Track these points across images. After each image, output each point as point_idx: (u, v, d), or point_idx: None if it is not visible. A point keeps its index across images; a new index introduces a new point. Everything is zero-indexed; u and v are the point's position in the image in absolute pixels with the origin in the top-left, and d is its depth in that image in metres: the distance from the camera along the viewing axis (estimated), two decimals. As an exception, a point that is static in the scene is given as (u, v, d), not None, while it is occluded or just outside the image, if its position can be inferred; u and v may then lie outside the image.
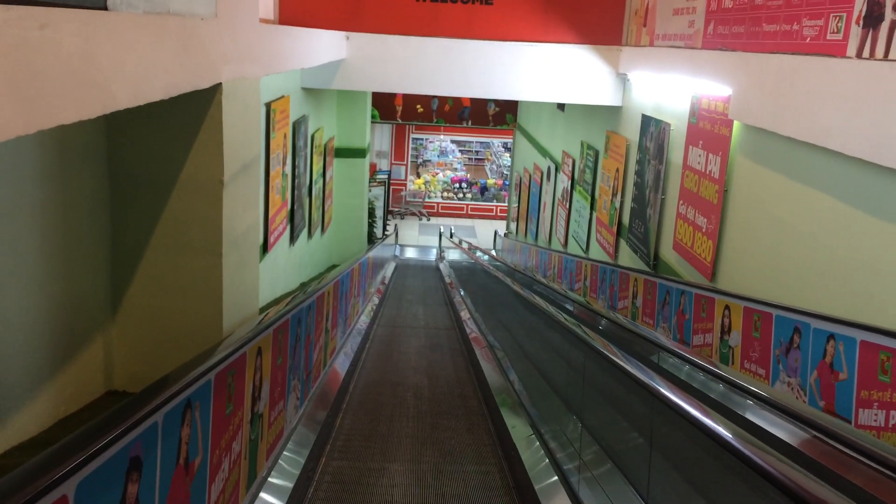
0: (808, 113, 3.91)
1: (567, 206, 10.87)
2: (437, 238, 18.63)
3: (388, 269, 13.47)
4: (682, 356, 3.57)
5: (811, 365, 3.36)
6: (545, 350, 4.76)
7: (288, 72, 7.17)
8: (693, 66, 5.83)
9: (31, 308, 3.12)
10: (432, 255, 17.95)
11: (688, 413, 2.25)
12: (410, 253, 18.53)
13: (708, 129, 5.56)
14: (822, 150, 3.82)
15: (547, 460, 3.94)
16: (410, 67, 8.36)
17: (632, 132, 7.71)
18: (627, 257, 7.56)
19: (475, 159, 26.80)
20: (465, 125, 21.93)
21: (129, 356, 3.70)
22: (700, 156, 5.68)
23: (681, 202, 6.04)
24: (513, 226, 18.34)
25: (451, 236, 17.77)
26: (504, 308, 6.66)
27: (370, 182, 16.58)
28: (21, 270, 3.05)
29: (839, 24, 3.88)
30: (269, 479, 3.19)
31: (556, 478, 3.73)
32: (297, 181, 8.30)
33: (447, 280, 12.47)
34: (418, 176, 25.67)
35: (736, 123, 5.06)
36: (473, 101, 19.33)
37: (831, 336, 3.21)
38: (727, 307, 4.28)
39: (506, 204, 22.75)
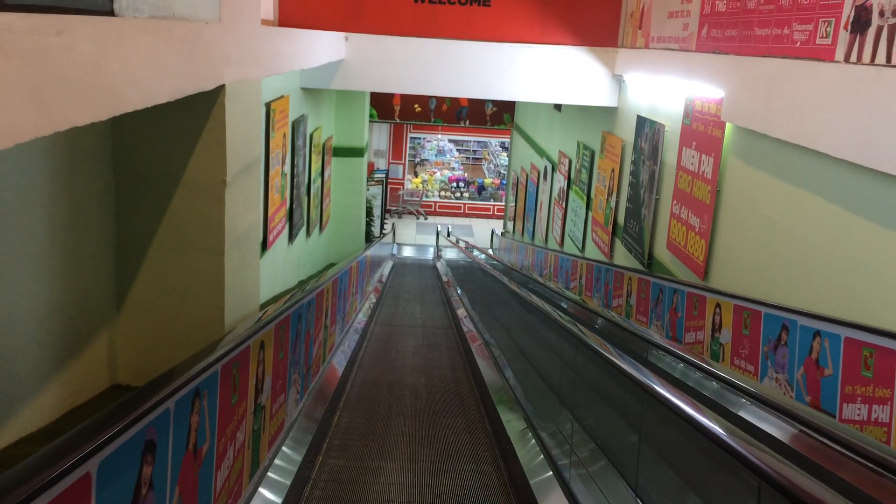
0: (798, 115, 4.00)
1: (563, 205, 10.97)
2: (434, 237, 18.70)
3: (386, 268, 13.55)
4: (674, 353, 3.67)
5: (798, 361, 3.45)
6: (541, 348, 4.84)
7: (287, 72, 7.24)
8: (687, 69, 5.93)
9: (39, 304, 3.21)
10: (430, 254, 18.02)
11: (676, 406, 2.33)
12: (408, 252, 18.60)
13: (701, 130, 5.65)
14: (812, 152, 3.91)
15: (542, 456, 4.01)
16: (409, 68, 8.45)
17: (627, 133, 7.81)
18: (623, 256, 7.66)
19: (473, 159, 26.89)
20: (462, 125, 21.99)
21: (133, 351, 3.78)
22: (693, 157, 5.77)
23: (674, 202, 6.13)
24: (510, 225, 18.42)
25: (449, 235, 17.85)
26: (501, 306, 6.74)
27: (368, 181, 16.66)
28: (30, 267, 3.14)
29: (828, 29, 3.97)
30: (268, 474, 3.26)
31: (550, 473, 3.81)
32: (295, 180, 8.38)
33: (444, 279, 12.55)
34: (416, 175, 25.75)
35: (728, 125, 5.15)
36: (471, 100, 19.40)
37: (817, 333, 3.31)
38: (718, 305, 4.37)
39: (503, 203, 22.83)
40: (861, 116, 3.37)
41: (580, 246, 9.67)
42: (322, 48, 7.02)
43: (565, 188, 10.88)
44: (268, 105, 6.64)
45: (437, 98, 19.50)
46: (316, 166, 10.10)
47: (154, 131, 3.54)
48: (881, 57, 3.45)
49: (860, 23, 3.66)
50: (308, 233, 9.79)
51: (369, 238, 15.84)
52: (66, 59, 1.89)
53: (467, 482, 4.09)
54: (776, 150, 4.45)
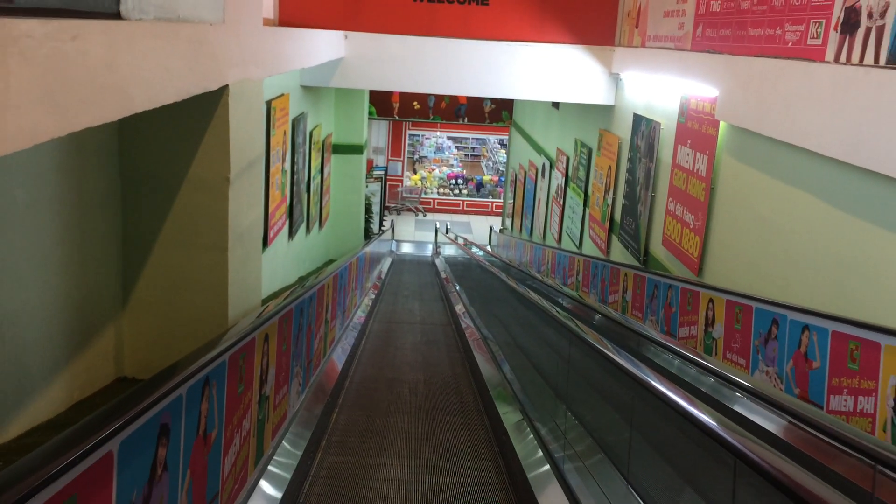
0: (789, 115, 4.09)
1: (561, 202, 11.05)
2: (433, 234, 18.77)
3: (385, 265, 13.62)
4: (668, 347, 3.75)
5: (787, 355, 3.54)
6: (539, 344, 4.90)
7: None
8: (682, 68, 6.01)
9: (48, 299, 3.29)
10: (428, 251, 18.09)
11: (666, 396, 2.42)
12: (406, 248, 18.66)
13: (696, 128, 5.74)
14: (803, 151, 3.99)
15: (540, 452, 4.07)
16: (408, 66, 8.53)
17: (624, 131, 7.89)
18: (619, 253, 7.75)
19: (471, 156, 26.96)
20: (461, 122, 22.03)
21: (139, 345, 3.87)
22: (688, 154, 5.86)
23: (670, 199, 6.22)
24: (508, 222, 18.51)
25: (447, 232, 17.90)
26: (499, 303, 6.81)
27: (367, 178, 16.73)
28: (40, 263, 3.22)
29: (819, 30, 4.06)
30: (269, 468, 3.33)
31: (547, 467, 3.87)
32: (295, 177, 8.46)
33: (443, 275, 12.61)
34: (415, 172, 25.82)
35: (722, 124, 5.23)
36: (470, 98, 19.45)
37: (806, 327, 3.40)
38: (711, 300, 4.46)
39: (501, 200, 22.92)
40: (850, 116, 3.45)
41: (577, 242, 9.76)
42: (322, 47, 7.10)
43: (563, 185, 10.97)
44: (268, 103, 6.72)
45: (436, 95, 19.56)
46: (315, 163, 10.18)
47: (159, 130, 3.62)
48: (870, 58, 3.54)
49: (850, 24, 3.74)
50: (308, 229, 9.88)
51: (368, 235, 15.91)
52: (80, 63, 1.97)
53: (466, 479, 4.10)
54: (769, 149, 4.54)
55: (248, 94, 3.97)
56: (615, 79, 8.44)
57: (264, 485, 3.17)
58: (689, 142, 5.88)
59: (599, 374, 3.45)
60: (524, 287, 5.69)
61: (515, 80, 8.63)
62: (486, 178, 25.74)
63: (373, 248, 11.30)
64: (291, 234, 8.57)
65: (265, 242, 6.95)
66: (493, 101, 19.68)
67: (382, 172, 22.08)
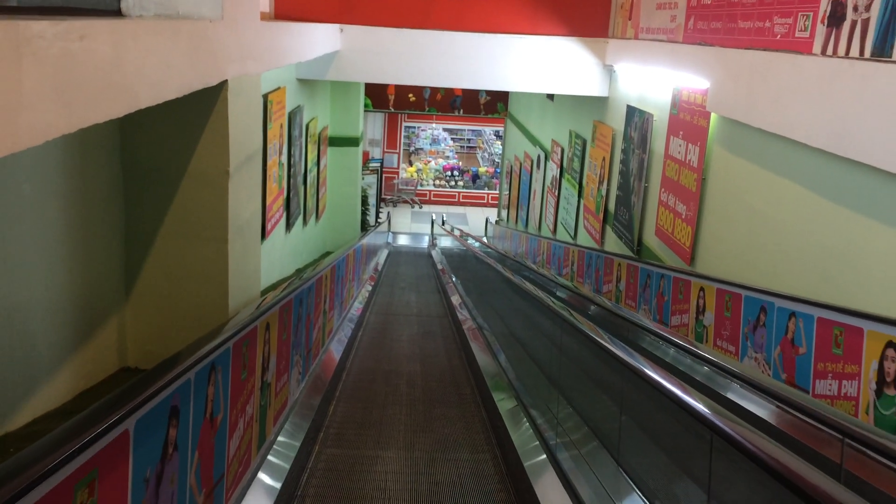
0: (778, 106, 4.17)
1: (556, 193, 11.14)
2: (429, 225, 18.85)
3: (381, 257, 13.68)
4: (660, 335, 3.84)
5: (775, 341, 3.64)
6: (535, 334, 4.97)
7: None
8: (674, 60, 6.09)
9: (54, 290, 3.37)
10: (424, 243, 18.16)
11: (654, 380, 2.51)
12: (403, 240, 18.71)
13: (688, 120, 5.82)
14: (791, 142, 4.08)
15: (537, 441, 4.13)
16: (403, 59, 8.59)
17: (617, 122, 7.97)
18: (613, 243, 7.83)
19: (467, 147, 26.99)
20: (456, 114, 22.14)
21: (142, 336, 3.95)
22: (680, 146, 5.94)
23: (662, 190, 6.31)
24: (504, 213, 18.59)
25: (443, 224, 17.97)
26: (495, 294, 6.88)
27: (363, 170, 16.78)
28: (46, 256, 3.30)
29: (806, 23, 4.14)
30: (268, 458, 3.39)
31: (544, 456, 3.94)
32: (292, 170, 8.52)
33: (439, 267, 12.68)
34: (410, 164, 25.86)
35: (713, 115, 5.32)
36: (465, 90, 19.52)
37: (792, 314, 3.49)
38: (702, 289, 4.55)
39: (497, 191, 22.99)
40: (836, 108, 3.54)
41: (572, 233, 9.84)
42: (318, 41, 7.16)
43: (558, 176, 11.04)
44: (265, 96, 6.77)
45: (432, 88, 19.61)
46: (312, 156, 10.24)
47: (160, 125, 3.69)
48: (855, 50, 3.62)
49: (836, 17, 3.82)
50: (304, 222, 9.94)
51: (365, 227, 15.97)
52: (88, 62, 2.05)
53: (463, 470, 4.13)
54: (759, 140, 4.62)
55: (247, 89, 4.04)
56: (609, 71, 8.51)
57: (263, 476, 3.24)
58: (681, 133, 5.96)
59: (592, 362, 3.53)
60: (520, 277, 5.76)
61: (510, 73, 8.69)
62: (482, 169, 25.79)
63: (369, 240, 11.37)
64: (289, 226, 8.63)
65: (263, 235, 7.01)
66: (489, 92, 19.76)
67: (378, 164, 22.13)
